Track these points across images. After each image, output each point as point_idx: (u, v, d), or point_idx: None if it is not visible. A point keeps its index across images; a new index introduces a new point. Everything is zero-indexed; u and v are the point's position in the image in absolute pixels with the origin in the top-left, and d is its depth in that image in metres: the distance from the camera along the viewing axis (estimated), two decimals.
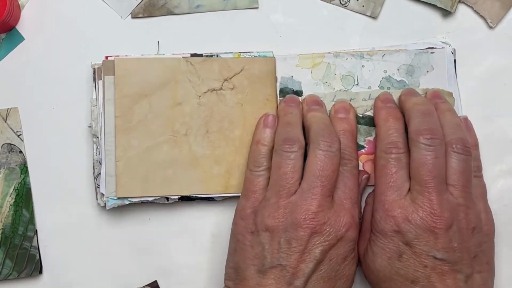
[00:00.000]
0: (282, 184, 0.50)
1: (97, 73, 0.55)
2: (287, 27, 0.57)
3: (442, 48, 0.56)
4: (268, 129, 0.53)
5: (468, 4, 0.56)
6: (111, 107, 0.54)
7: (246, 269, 0.49)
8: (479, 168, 0.54)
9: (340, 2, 0.57)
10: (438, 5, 0.56)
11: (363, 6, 0.57)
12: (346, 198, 0.51)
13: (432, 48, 0.56)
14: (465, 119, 0.55)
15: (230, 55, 0.55)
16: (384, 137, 0.52)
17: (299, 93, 0.55)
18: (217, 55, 0.55)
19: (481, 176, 0.54)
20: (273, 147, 0.52)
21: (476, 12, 0.57)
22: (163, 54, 0.56)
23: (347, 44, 0.57)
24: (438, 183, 0.49)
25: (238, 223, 0.51)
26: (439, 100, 0.54)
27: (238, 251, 0.50)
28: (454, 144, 0.50)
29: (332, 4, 0.57)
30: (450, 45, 0.56)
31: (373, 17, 0.57)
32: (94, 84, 0.55)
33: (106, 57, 0.55)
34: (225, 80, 0.55)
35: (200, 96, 0.55)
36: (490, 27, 0.57)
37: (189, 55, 0.55)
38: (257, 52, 0.56)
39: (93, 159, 0.55)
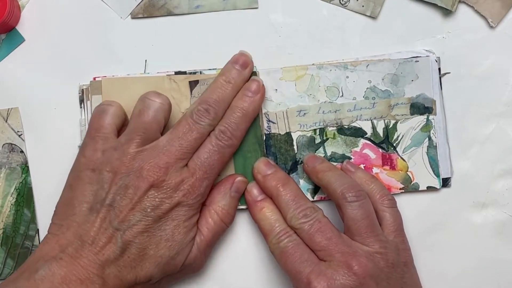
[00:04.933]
0: (139, 132, 0.50)
1: (85, 94, 0.56)
2: (287, 27, 0.57)
3: (427, 56, 0.56)
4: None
5: (469, 3, 0.56)
6: None
7: (78, 205, 0.49)
8: (390, 199, 0.53)
9: (340, 2, 0.57)
10: (439, 4, 0.56)
11: (362, 6, 0.56)
12: (201, 169, 0.50)
13: (417, 56, 0.56)
14: (348, 162, 0.56)
15: (214, 71, 0.55)
16: (270, 231, 0.52)
17: None
18: (200, 72, 0.56)
19: (395, 206, 0.53)
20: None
21: (476, 11, 0.56)
22: (148, 73, 0.56)
23: (347, 44, 0.57)
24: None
25: (80, 159, 0.51)
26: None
27: (74, 187, 0.50)
28: (380, 198, 0.53)
29: (332, 4, 0.57)
30: (434, 53, 0.56)
31: (373, 17, 0.57)
32: (81, 105, 0.56)
33: (94, 78, 0.56)
34: None
35: (184, 113, 0.54)
36: (491, 27, 0.57)
37: (173, 73, 0.56)
38: None
39: None
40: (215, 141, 0.51)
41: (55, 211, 0.51)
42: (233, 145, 0.52)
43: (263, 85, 0.54)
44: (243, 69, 0.53)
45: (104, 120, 0.51)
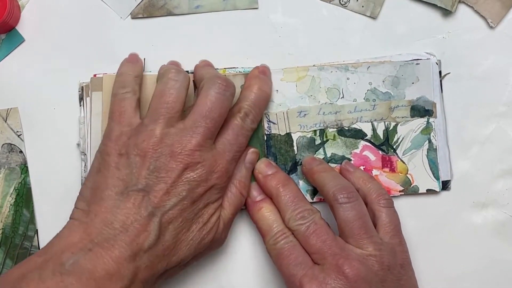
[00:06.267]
0: (162, 112, 0.48)
1: (85, 91, 0.56)
2: (287, 27, 0.57)
3: (427, 59, 0.56)
4: (133, 64, 0.53)
5: (469, 4, 0.56)
6: (98, 123, 0.55)
7: (106, 189, 0.47)
8: (386, 198, 0.53)
9: (340, 2, 0.57)
10: (439, 5, 0.56)
11: (362, 6, 0.56)
12: (229, 151, 0.50)
13: (417, 59, 0.56)
14: (347, 162, 0.55)
15: None
16: (268, 232, 0.51)
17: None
18: None
19: (391, 206, 0.53)
20: (139, 77, 0.53)
21: (476, 12, 0.56)
22: (150, 72, 0.56)
23: (346, 44, 0.57)
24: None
25: (107, 143, 0.49)
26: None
27: (102, 171, 0.48)
28: (377, 197, 0.52)
29: (332, 4, 0.57)
30: (435, 56, 0.56)
31: (373, 17, 0.57)
32: (81, 103, 0.56)
33: (94, 75, 0.56)
34: None
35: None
36: (491, 27, 0.56)
37: None
38: (242, 67, 0.56)
39: (82, 177, 0.56)
40: (241, 123, 0.51)
41: (79, 196, 0.49)
42: (254, 128, 0.53)
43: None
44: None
45: (127, 104, 0.50)
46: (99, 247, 0.44)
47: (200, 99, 0.49)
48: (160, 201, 0.46)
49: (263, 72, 0.54)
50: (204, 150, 0.48)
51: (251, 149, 0.54)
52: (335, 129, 0.56)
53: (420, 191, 0.56)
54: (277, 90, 0.55)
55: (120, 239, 0.45)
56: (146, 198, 0.46)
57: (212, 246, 0.52)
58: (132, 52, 0.55)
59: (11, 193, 0.56)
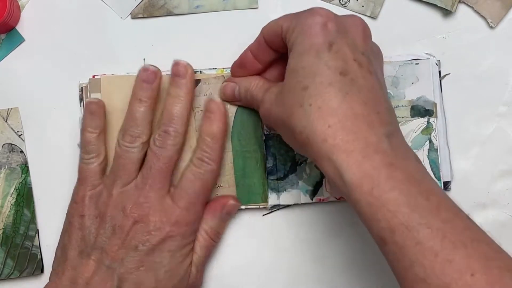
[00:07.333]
0: (119, 174, 0.51)
1: (84, 92, 0.56)
2: None
3: (427, 59, 0.55)
4: (95, 116, 0.53)
5: (469, 4, 0.56)
6: None
7: (70, 249, 0.51)
8: None
9: (340, 2, 0.57)
10: (439, 5, 0.56)
11: (362, 6, 0.56)
12: (184, 198, 0.51)
13: (417, 59, 0.55)
14: None
15: (214, 71, 0.55)
16: None
17: None
18: (200, 71, 0.55)
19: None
20: (103, 131, 0.53)
21: (476, 12, 0.56)
22: None
23: None
24: None
25: (71, 205, 0.53)
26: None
27: (67, 232, 0.52)
28: None
29: (332, 4, 0.57)
30: (434, 56, 0.56)
31: (373, 17, 0.57)
32: (81, 103, 0.56)
33: (93, 76, 0.56)
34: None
35: None
36: (491, 27, 0.56)
37: None
38: None
39: None
40: (194, 169, 0.52)
41: (54, 257, 0.53)
42: (213, 170, 0.52)
43: (221, 102, 0.53)
44: (183, 78, 0.53)
45: (90, 169, 0.53)
46: None
47: (147, 155, 0.52)
48: (115, 255, 0.49)
49: (214, 111, 0.53)
50: (155, 203, 0.50)
51: (231, 201, 0.54)
52: None
53: None
54: None
55: None
56: (104, 254, 0.50)
57: None
58: (89, 100, 0.54)
59: (12, 193, 0.56)
